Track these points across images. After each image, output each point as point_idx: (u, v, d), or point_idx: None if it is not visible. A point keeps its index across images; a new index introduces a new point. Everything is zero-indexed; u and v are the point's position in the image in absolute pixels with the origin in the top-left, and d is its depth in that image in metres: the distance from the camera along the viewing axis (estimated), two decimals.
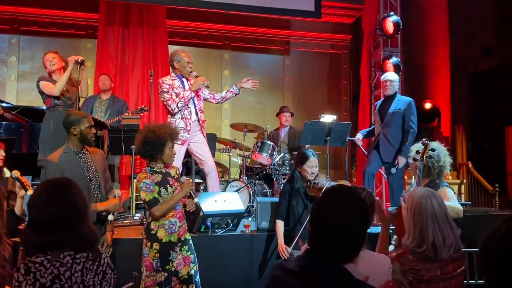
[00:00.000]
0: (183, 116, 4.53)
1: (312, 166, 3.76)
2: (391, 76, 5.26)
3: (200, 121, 4.68)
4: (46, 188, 1.88)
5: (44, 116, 4.68)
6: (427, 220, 2.24)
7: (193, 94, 4.54)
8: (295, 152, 5.01)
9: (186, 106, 4.53)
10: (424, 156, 3.21)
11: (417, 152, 3.27)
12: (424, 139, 3.32)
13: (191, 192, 3.24)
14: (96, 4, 7.34)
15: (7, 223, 3.16)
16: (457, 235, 2.30)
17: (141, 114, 5.77)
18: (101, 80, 6.17)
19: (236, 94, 4.81)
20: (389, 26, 6.63)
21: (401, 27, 6.61)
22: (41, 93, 4.67)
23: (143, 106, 5.82)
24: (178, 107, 4.47)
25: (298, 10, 7.13)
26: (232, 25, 8.37)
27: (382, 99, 5.46)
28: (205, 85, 4.58)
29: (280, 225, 3.83)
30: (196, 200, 3.29)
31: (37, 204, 1.84)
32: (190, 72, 4.65)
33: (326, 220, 1.44)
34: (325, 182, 3.70)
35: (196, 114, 4.65)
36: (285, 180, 3.92)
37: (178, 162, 4.34)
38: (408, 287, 2.30)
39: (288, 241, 3.76)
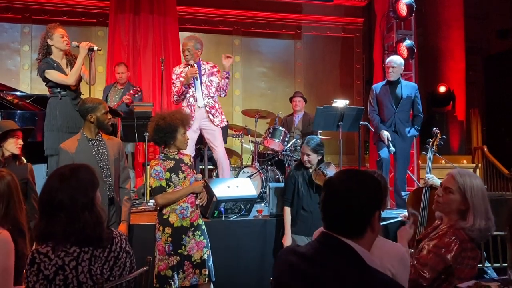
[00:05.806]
0: (189, 103, 4.67)
1: (303, 153, 3.72)
2: (396, 60, 5.14)
3: (207, 107, 4.68)
4: (56, 175, 1.88)
5: (48, 104, 4.16)
6: (485, 200, 2.13)
7: (183, 88, 4.60)
8: None
9: (192, 93, 4.63)
10: (435, 144, 3.57)
11: (428, 141, 3.60)
12: (434, 128, 3.69)
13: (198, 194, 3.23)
14: None
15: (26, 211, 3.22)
16: None
17: (139, 93, 5.89)
18: (119, 71, 6.11)
19: (227, 77, 4.71)
20: (402, 8, 6.52)
21: (414, 9, 6.49)
22: (46, 81, 4.12)
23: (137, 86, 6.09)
24: (175, 101, 4.74)
25: None
26: (242, 10, 8.32)
27: (381, 82, 5.41)
28: (194, 77, 4.58)
29: (288, 213, 3.81)
30: (197, 202, 3.24)
31: (46, 190, 1.85)
32: (188, 60, 4.63)
33: (338, 195, 1.46)
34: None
35: (203, 100, 4.68)
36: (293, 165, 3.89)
37: (189, 148, 4.37)
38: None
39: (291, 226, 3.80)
